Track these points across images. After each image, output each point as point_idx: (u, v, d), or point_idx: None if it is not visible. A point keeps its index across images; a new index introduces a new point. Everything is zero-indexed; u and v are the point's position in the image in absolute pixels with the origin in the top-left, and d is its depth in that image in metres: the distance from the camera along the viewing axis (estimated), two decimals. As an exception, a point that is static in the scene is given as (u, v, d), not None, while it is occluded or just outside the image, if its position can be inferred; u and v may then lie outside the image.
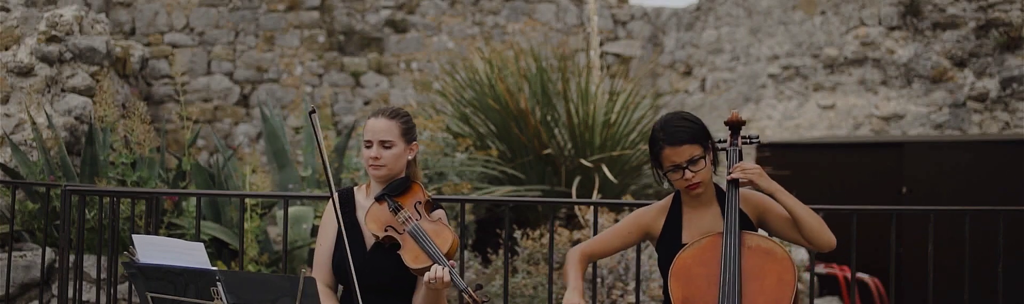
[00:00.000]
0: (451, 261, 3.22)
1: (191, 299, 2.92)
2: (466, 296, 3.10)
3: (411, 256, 3.25)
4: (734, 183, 3.29)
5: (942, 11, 8.83)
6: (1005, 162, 7.05)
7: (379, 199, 3.41)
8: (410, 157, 3.46)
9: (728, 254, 3.20)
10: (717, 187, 3.42)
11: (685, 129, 3.24)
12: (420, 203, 3.38)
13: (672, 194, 3.46)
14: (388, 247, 3.34)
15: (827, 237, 3.30)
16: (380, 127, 3.40)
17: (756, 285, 3.19)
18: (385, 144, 3.39)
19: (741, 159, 3.38)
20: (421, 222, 3.32)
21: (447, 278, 3.14)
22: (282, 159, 7.22)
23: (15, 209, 5.90)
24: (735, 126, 3.43)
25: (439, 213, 3.42)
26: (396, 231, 3.30)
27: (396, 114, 3.44)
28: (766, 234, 3.41)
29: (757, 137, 3.48)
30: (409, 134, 3.45)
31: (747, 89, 10.90)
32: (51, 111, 7.07)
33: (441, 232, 3.29)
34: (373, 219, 3.37)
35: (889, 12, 9.18)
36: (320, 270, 3.47)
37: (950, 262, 5.51)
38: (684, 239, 3.36)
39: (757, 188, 3.31)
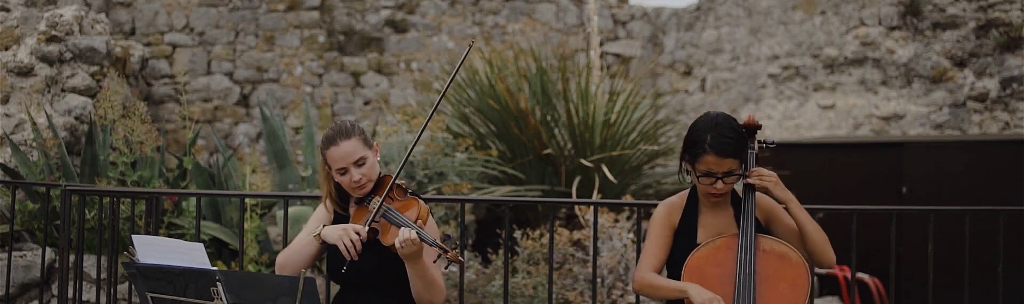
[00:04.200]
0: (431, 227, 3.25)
1: (191, 299, 2.92)
2: (436, 251, 3.13)
3: (388, 235, 3.28)
4: (750, 187, 3.32)
5: (942, 11, 8.83)
6: (1005, 162, 7.04)
7: (358, 203, 3.44)
8: (377, 158, 3.45)
9: (744, 256, 3.22)
10: (732, 191, 3.44)
11: (735, 142, 3.25)
12: (391, 190, 3.40)
13: (687, 190, 3.48)
14: (376, 241, 3.36)
15: (829, 255, 3.34)
16: (347, 150, 3.32)
17: (770, 288, 3.21)
18: (359, 162, 3.33)
19: (756, 163, 3.40)
20: (392, 204, 3.36)
21: (413, 236, 3.14)
22: (282, 159, 7.22)
23: (15, 209, 5.89)
24: (752, 130, 3.44)
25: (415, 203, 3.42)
26: (374, 221, 3.33)
27: (351, 132, 3.36)
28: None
29: (774, 143, 3.50)
30: (369, 140, 3.41)
31: (747, 89, 10.90)
32: (51, 111, 7.07)
33: (408, 205, 3.33)
34: (354, 221, 3.39)
35: (889, 12, 9.18)
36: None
37: (950, 262, 5.51)
38: (698, 238, 3.38)
39: (771, 196, 3.33)
